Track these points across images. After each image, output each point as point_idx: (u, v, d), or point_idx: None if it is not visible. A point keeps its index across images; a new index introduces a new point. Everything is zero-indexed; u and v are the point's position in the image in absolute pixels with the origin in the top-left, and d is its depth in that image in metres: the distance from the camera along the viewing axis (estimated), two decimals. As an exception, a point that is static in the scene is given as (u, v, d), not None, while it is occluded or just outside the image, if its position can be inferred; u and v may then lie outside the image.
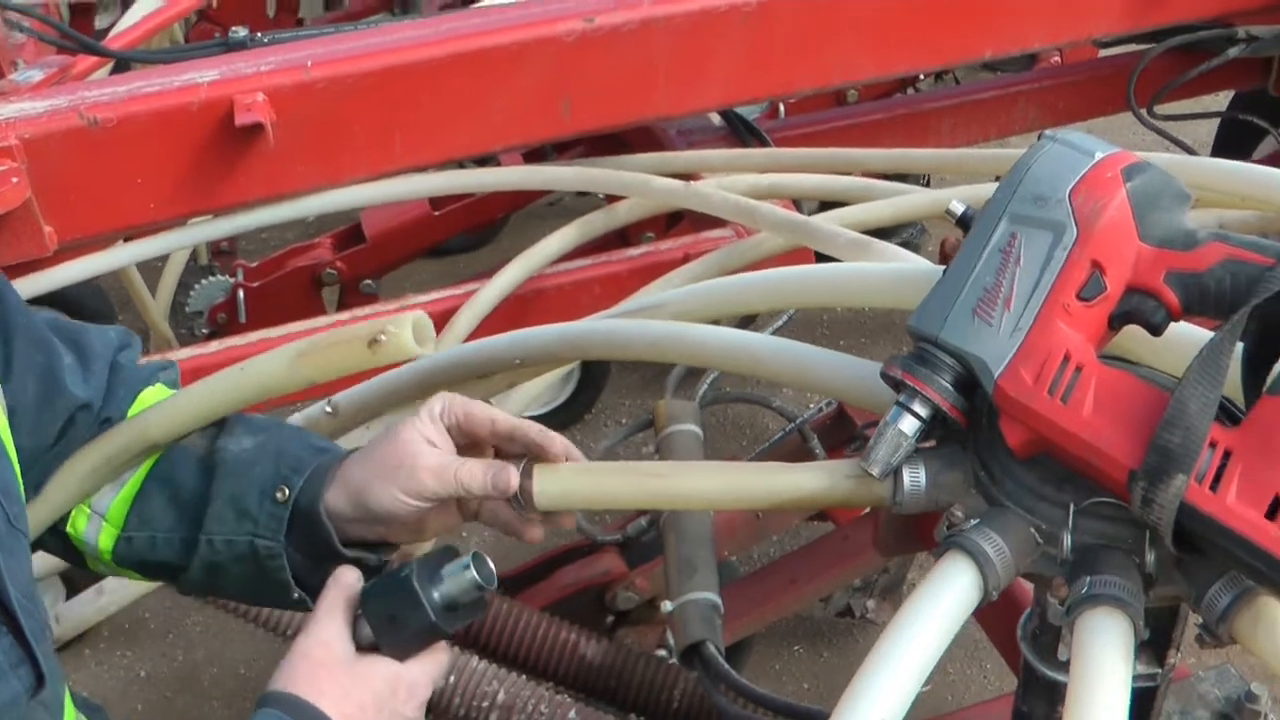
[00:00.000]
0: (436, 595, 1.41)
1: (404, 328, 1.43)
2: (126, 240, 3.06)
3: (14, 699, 1.30)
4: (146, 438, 1.54)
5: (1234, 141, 4.38)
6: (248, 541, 1.51)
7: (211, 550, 1.52)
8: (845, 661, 3.67)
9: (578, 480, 1.46)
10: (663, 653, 2.48)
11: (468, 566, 1.42)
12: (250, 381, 1.52)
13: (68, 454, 1.55)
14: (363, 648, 1.41)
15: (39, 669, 1.33)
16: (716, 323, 1.74)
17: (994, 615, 1.44)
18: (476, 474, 1.44)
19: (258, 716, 1.32)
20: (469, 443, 1.52)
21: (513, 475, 1.44)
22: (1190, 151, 3.87)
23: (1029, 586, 1.52)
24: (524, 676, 2.29)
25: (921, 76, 4.94)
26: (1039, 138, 1.35)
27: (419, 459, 1.45)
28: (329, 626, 1.40)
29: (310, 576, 1.52)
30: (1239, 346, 1.19)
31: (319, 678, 1.35)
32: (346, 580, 1.44)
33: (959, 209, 1.40)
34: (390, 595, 1.42)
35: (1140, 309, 1.27)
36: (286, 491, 1.51)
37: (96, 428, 1.57)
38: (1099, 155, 1.29)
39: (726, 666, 1.96)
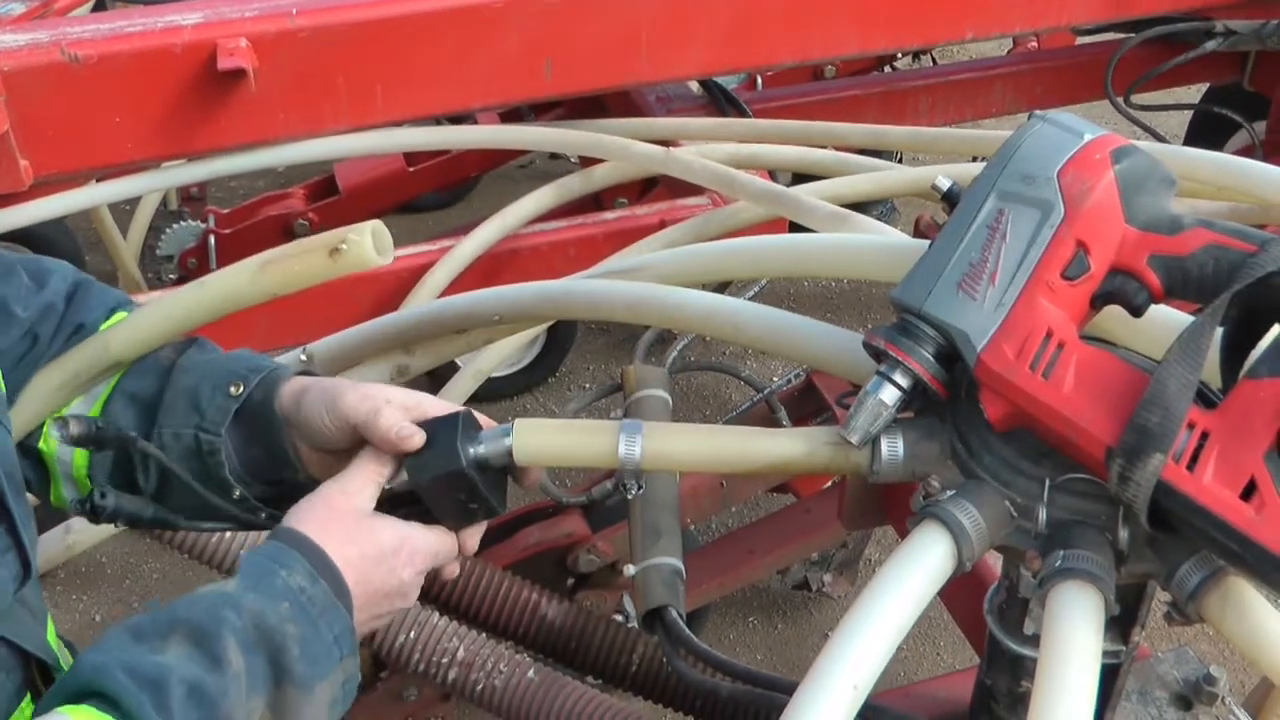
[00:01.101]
0: (471, 447, 1.44)
1: (364, 236, 1.44)
2: (99, 181, 3.05)
3: (1, 584, 1.31)
4: (109, 354, 1.54)
5: (1206, 134, 4.40)
6: (193, 434, 1.51)
7: (161, 445, 1.52)
8: (799, 634, 3.69)
9: (557, 436, 1.46)
10: (619, 617, 2.48)
11: (507, 434, 1.45)
12: (212, 294, 1.52)
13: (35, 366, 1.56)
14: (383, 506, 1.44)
15: (25, 556, 1.34)
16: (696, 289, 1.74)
17: (957, 592, 1.46)
18: (391, 419, 1.44)
19: (265, 548, 1.34)
20: None
21: (416, 438, 1.44)
22: (1163, 142, 3.89)
23: (994, 565, 1.54)
24: (484, 635, 2.30)
25: (899, 55, 4.94)
26: (1029, 118, 1.36)
27: (353, 384, 1.48)
28: (356, 479, 1.42)
29: (254, 485, 1.55)
30: (1218, 331, 1.21)
31: (329, 521, 1.37)
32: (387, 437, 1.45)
33: (945, 184, 1.41)
34: (432, 424, 1.45)
35: (1122, 290, 1.29)
36: (241, 387, 1.52)
37: (66, 335, 1.57)
38: (1088, 137, 1.30)
39: (688, 632, 1.96)
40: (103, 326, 1.58)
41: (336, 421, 1.46)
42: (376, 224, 1.47)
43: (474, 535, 1.51)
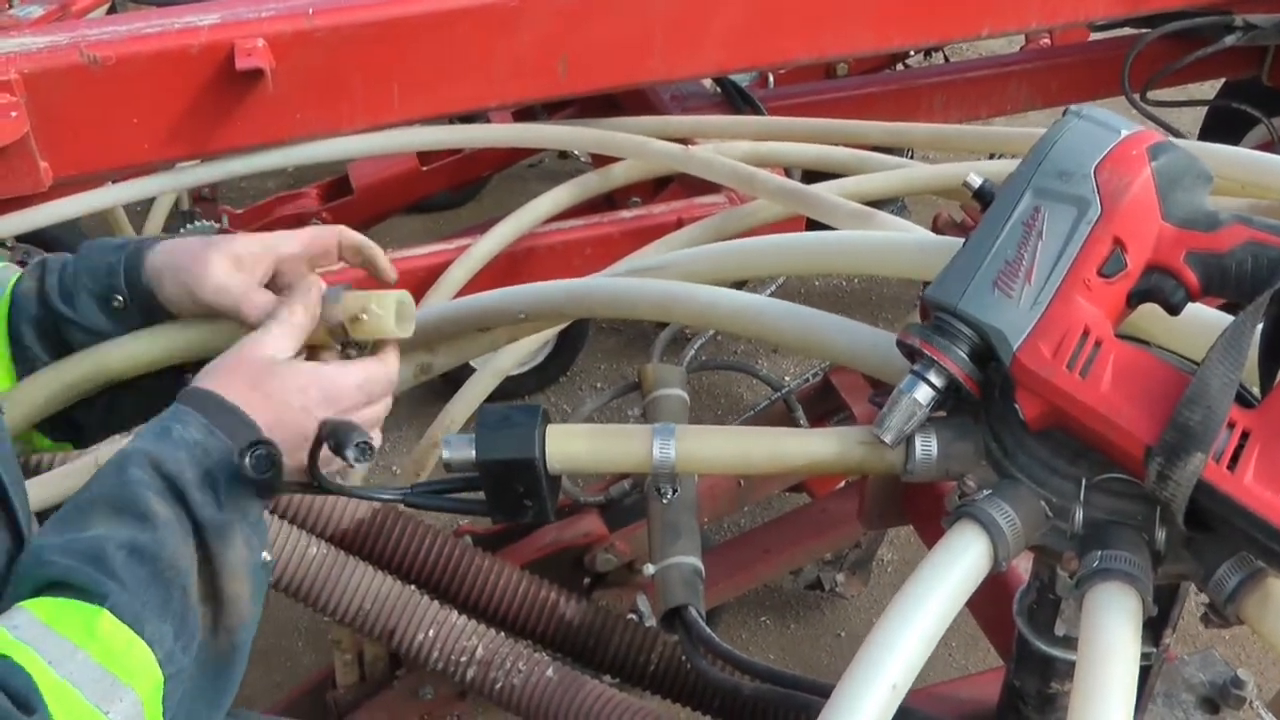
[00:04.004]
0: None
1: (388, 310, 1.47)
2: (114, 182, 3.04)
3: None
4: (106, 371, 1.57)
5: (1221, 129, 4.37)
6: None
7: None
8: (812, 634, 3.69)
9: (588, 441, 1.45)
10: (633, 617, 2.48)
11: None
12: (224, 330, 1.54)
13: None
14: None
15: (18, 530, 1.34)
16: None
17: (982, 595, 1.45)
18: (257, 306, 1.49)
19: (165, 411, 1.37)
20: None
21: (260, 298, 1.50)
22: (1181, 138, 3.87)
23: (1019, 568, 1.53)
24: (502, 633, 2.29)
25: (911, 53, 4.93)
26: (1064, 113, 1.35)
27: (209, 269, 1.51)
28: (273, 330, 1.45)
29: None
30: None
31: (235, 370, 1.40)
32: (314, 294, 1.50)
33: (977, 182, 1.40)
34: (513, 410, 1.46)
35: (1159, 288, 1.28)
36: (120, 299, 1.55)
37: None
38: (1124, 133, 1.30)
39: (709, 631, 1.95)
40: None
41: (202, 307, 1.52)
42: (403, 294, 1.49)
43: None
